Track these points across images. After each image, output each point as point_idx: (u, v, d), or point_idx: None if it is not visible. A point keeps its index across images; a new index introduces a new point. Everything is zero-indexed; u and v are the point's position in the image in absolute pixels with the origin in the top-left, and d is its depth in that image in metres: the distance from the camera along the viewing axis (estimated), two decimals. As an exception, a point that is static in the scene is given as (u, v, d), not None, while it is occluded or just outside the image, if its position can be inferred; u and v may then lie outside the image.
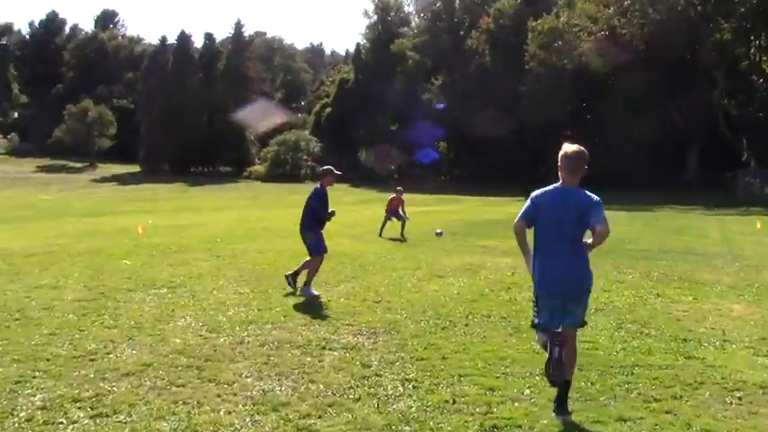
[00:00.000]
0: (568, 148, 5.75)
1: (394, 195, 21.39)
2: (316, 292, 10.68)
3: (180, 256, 14.92)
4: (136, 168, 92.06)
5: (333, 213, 11.57)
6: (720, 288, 11.63)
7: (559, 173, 5.76)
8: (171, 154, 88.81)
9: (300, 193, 56.70)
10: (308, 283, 10.87)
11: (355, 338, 7.92)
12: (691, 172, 56.91)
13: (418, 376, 6.51)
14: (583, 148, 5.77)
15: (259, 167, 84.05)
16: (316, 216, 11.39)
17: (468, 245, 17.92)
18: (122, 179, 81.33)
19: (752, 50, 55.24)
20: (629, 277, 12.80)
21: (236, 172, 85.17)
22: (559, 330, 5.71)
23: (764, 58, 54.62)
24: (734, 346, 7.71)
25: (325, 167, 11.94)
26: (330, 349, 7.43)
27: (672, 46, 52.74)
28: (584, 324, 5.92)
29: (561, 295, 5.70)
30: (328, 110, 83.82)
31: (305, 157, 78.65)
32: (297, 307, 9.56)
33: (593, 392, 6.10)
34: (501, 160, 61.68)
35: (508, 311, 9.38)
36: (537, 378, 6.46)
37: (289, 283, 11.09)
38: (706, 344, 7.76)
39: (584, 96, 59.28)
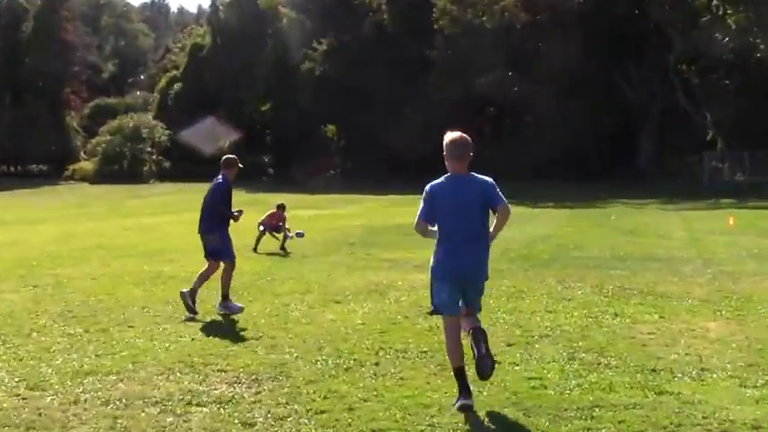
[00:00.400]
0: (451, 135, 7.35)
1: (273, 211, 21.30)
2: (239, 304, 11.84)
3: (-18, 288, 14.37)
4: None
5: (240, 213, 12.51)
6: (691, 302, 12.07)
7: (446, 162, 7.35)
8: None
9: (142, 197, 55.82)
10: (225, 297, 11.84)
11: (231, 388, 7.79)
12: (644, 156, 59.06)
13: (319, 435, 6.46)
14: (465, 135, 7.38)
15: (86, 164, 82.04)
16: (219, 214, 12.20)
17: (372, 258, 17.99)
18: None
19: (714, 1, 57.73)
20: (579, 293, 13.14)
21: (55, 171, 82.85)
22: (478, 325, 7.44)
23: (729, 11, 57.13)
24: (714, 375, 7.99)
25: (230, 156, 12.79)
26: (198, 405, 7.28)
27: (616, -2, 54.69)
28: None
29: (464, 282, 7.47)
30: (178, 86, 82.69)
31: (148, 148, 77.23)
32: (149, 350, 9.33)
33: (547, 445, 6.20)
34: (405, 148, 62.24)
35: (429, 344, 9.45)
36: (474, 429, 6.51)
37: (188, 306, 11.55)
38: (680, 374, 8.02)
39: (509, 64, 60.60)
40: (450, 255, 7.31)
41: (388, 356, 8.93)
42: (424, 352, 9.09)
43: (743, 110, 51.75)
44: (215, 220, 12.25)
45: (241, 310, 11.69)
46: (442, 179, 7.33)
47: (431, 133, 53.50)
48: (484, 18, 58.29)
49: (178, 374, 8.30)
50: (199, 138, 68.40)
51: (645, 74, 58.17)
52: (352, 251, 19.88)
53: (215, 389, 7.78)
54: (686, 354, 8.85)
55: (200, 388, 7.81)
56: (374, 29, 66.62)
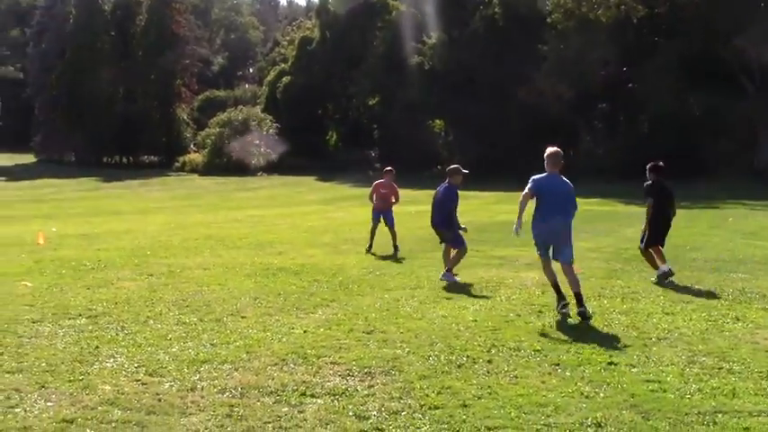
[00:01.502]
0: (550, 149, 11.82)
1: (381, 181, 20.02)
2: (458, 278, 14.28)
3: (99, 275, 14.85)
4: (29, 158, 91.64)
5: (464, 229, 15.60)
6: (817, 308, 11.73)
7: (546, 165, 11.69)
8: (77, 139, 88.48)
9: (250, 189, 56.69)
10: (449, 270, 14.53)
11: (344, 381, 7.90)
12: (764, 155, 57.32)
13: (433, 431, 6.49)
14: (559, 150, 11.88)
15: (195, 156, 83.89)
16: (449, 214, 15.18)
17: (482, 255, 17.96)
18: (11, 172, 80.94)
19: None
20: (697, 296, 12.89)
21: (166, 162, 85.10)
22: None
23: None
24: None
25: (454, 166, 15.52)
26: (312, 396, 7.41)
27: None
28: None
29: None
30: (287, 79, 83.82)
31: (257, 141, 78.45)
32: (262, 341, 9.52)
33: (667, 449, 6.11)
34: (513, 143, 61.84)
35: (542, 343, 9.41)
36: (591, 430, 6.47)
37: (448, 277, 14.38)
38: (809, 383, 7.82)
39: (624, 59, 59.64)
40: (545, 221, 11.45)
41: (500, 354, 8.92)
42: (538, 350, 9.05)
43: None
44: (447, 219, 15.28)
45: (456, 282, 14.07)
46: (544, 175, 11.67)
47: (540, 131, 53.41)
48: (599, 12, 57.47)
49: (291, 365, 8.45)
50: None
51: (766, 67, 56.39)
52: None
53: (328, 381, 7.90)
54: (814, 362, 8.61)
55: (314, 380, 7.94)
56: (485, 23, 66.31)
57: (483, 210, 35.09)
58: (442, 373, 8.18)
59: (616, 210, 35.47)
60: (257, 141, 78.08)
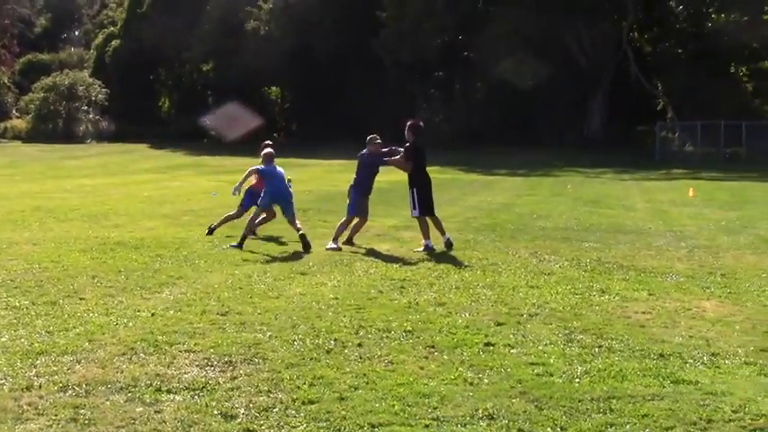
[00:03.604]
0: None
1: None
2: (336, 245, 14.31)
3: None
4: None
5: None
6: (677, 279, 11.65)
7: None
8: None
9: (79, 157, 54.37)
10: (334, 239, 14.51)
11: (203, 372, 7.10)
12: (595, 125, 59.00)
13: (311, 430, 5.81)
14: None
15: (18, 122, 79.65)
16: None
17: (330, 227, 17.23)
18: None
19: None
20: (556, 266, 12.68)
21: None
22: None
23: (684, -21, 57.13)
24: (728, 362, 7.50)
25: (372, 136, 15.40)
26: (169, 392, 6.58)
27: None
28: None
29: None
30: (116, 43, 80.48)
31: (84, 107, 75.19)
32: (105, 327, 8.57)
33: (570, 443, 5.62)
34: (353, 112, 61.38)
35: (412, 322, 8.84)
36: (483, 423, 5.92)
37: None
38: (691, 360, 7.52)
39: (460, 27, 59.99)
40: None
41: (370, 336, 8.30)
42: (409, 331, 8.47)
43: (694, 80, 51.81)
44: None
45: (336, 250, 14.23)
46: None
47: (381, 96, 53.20)
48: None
49: (142, 355, 7.58)
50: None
51: (598, 41, 57.98)
52: (306, 218, 19.15)
53: (185, 372, 7.09)
54: (690, 336, 8.37)
55: (169, 371, 7.11)
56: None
57: (326, 178, 34.45)
58: (311, 360, 7.48)
59: (457, 178, 35.47)
60: (85, 107, 74.90)
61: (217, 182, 32.01)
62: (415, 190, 14.59)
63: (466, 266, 12.60)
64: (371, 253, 13.98)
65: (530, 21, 53.80)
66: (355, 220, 15.16)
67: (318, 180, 33.26)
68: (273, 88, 75.57)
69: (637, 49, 57.33)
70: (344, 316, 9.13)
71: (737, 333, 8.53)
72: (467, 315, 9.22)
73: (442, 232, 14.57)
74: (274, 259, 13.16)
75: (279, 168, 15.50)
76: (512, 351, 7.80)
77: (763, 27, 53.22)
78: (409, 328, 8.61)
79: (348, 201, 15.40)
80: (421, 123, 15.37)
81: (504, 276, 11.76)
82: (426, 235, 14.39)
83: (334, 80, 62.26)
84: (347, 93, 61.37)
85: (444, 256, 13.61)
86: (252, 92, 69.43)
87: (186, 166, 43.93)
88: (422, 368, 7.24)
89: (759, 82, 55.69)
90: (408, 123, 14.99)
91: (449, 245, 14.31)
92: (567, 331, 8.53)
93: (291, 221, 14.94)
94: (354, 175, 15.42)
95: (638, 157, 47.62)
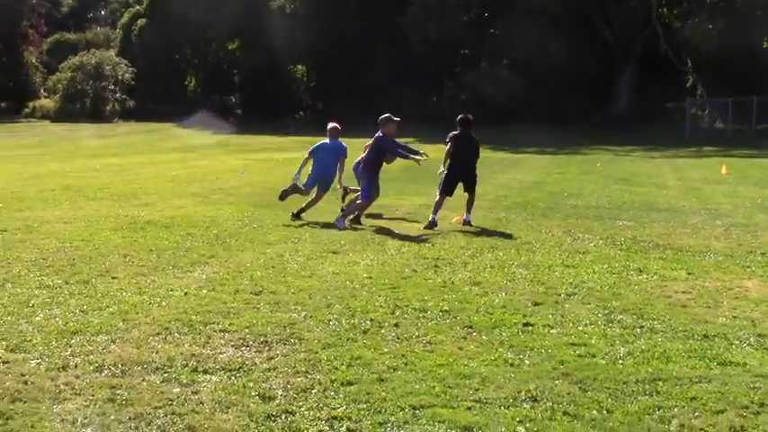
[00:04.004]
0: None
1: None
2: (345, 223, 14.30)
3: (-54, 232, 13.42)
4: None
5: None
6: (715, 258, 11.45)
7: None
8: None
9: (107, 136, 54.64)
10: (345, 215, 14.64)
11: (239, 353, 7.00)
12: (623, 102, 58.41)
13: (351, 412, 5.68)
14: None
15: (47, 102, 79.92)
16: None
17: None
18: None
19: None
20: (591, 245, 12.50)
21: (14, 108, 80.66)
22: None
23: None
24: (775, 343, 7.33)
25: (386, 116, 14.98)
26: (206, 372, 6.48)
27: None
28: None
29: None
30: (141, 22, 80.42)
31: (111, 86, 75.31)
32: (139, 306, 8.49)
33: (617, 427, 5.46)
34: (379, 90, 61.07)
35: (448, 302, 8.70)
36: (527, 405, 5.78)
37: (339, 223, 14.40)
38: (737, 341, 7.34)
39: (486, 4, 59.47)
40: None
41: (406, 316, 8.16)
42: (446, 311, 8.33)
43: (725, 56, 51.12)
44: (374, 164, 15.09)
45: (344, 228, 14.11)
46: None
47: (406, 75, 52.92)
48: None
49: (176, 335, 7.49)
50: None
51: (626, 16, 57.35)
52: (336, 196, 19.03)
53: (221, 353, 6.98)
54: (734, 317, 8.18)
55: (205, 352, 7.01)
56: (347, -35, 64.91)
57: (353, 155, 34.22)
58: (348, 340, 7.36)
59: (486, 156, 35.07)
60: (112, 86, 75.03)
61: (244, 160, 32.00)
62: (446, 173, 14.96)
63: (500, 245, 12.43)
64: (403, 231, 13.83)
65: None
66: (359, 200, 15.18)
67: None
68: (299, 66, 75.32)
69: (666, 25, 56.57)
70: (379, 295, 9.00)
71: (783, 313, 8.34)
72: (503, 295, 9.07)
73: (468, 210, 14.80)
74: (305, 238, 13.03)
75: (328, 142, 15.97)
76: (551, 331, 7.65)
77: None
78: (446, 307, 8.47)
79: (361, 183, 15.33)
80: (468, 116, 15.46)
81: (539, 255, 11.59)
82: (434, 211, 14.52)
83: (359, 58, 61.89)
84: (373, 71, 61.00)
85: (477, 235, 13.46)
86: (278, 70, 69.23)
87: (213, 146, 43.95)
88: (461, 349, 7.11)
89: (791, 57, 54.83)
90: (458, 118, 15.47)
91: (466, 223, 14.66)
92: (606, 311, 8.36)
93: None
94: (363, 154, 15.59)
95: (667, 134, 47.09)
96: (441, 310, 8.36)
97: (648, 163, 31.60)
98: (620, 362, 6.74)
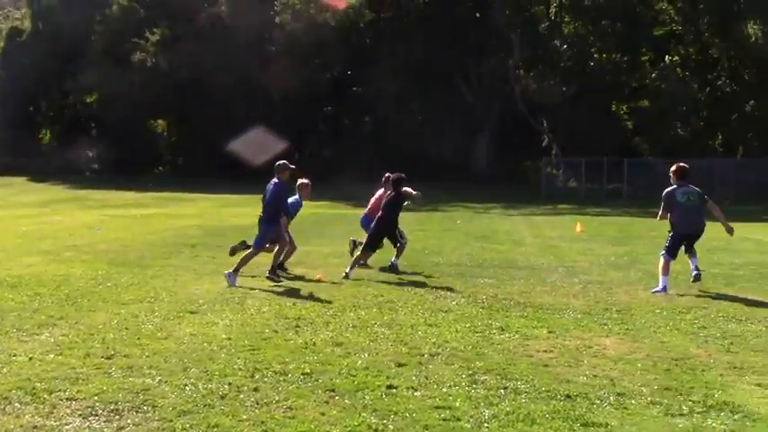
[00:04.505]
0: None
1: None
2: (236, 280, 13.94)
3: None
4: None
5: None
6: (574, 315, 11.54)
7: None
8: None
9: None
10: (235, 271, 14.09)
11: (86, 423, 6.56)
12: (482, 160, 59.68)
13: (206, 486, 5.36)
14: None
15: None
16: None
17: (219, 263, 16.70)
18: None
19: (552, 8, 59.00)
20: (453, 303, 12.46)
21: None
22: None
23: (567, 19, 58.53)
24: (634, 401, 7.33)
25: (281, 162, 15.01)
26: (48, 446, 6.05)
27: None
28: None
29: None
30: (-5, 73, 77.97)
31: (-41, 138, 72.48)
32: (-22, 372, 7.93)
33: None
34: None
35: (310, 364, 8.43)
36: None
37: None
38: (598, 401, 7.32)
39: (350, 62, 60.07)
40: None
41: (266, 380, 7.86)
42: (307, 374, 8.07)
43: (577, 117, 53.02)
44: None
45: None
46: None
47: (269, 132, 52.34)
48: (327, 15, 57.47)
49: (17, 405, 6.98)
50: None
51: (485, 78, 58.91)
52: (195, 254, 18.62)
53: (66, 424, 6.53)
54: (594, 375, 8.19)
55: (48, 423, 6.54)
56: (210, 20, 64.48)
57: (213, 213, 33.78)
58: (205, 406, 7.00)
59: (345, 213, 35.22)
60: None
61: (101, 216, 31.07)
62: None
63: (362, 304, 12.26)
64: (263, 289, 13.52)
65: (417, 57, 54.24)
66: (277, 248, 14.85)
67: (206, 215, 32.58)
68: (160, 121, 74.23)
69: (523, 87, 58.31)
70: (238, 358, 8.67)
71: (640, 371, 8.39)
72: (366, 356, 8.87)
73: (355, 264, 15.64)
74: (162, 298, 12.57)
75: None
76: (415, 394, 7.48)
77: (641, 67, 55.00)
78: (307, 370, 8.21)
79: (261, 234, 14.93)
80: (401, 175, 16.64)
81: (402, 314, 11.46)
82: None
83: (221, 114, 61.36)
84: (234, 126, 60.58)
85: (339, 293, 13.26)
86: (137, 124, 68.02)
87: (68, 200, 42.65)
88: (323, 414, 6.85)
89: (638, 120, 57.26)
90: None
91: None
92: (470, 372, 8.26)
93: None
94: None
95: (524, 192, 48.29)
96: (302, 373, 8.10)
97: (507, 220, 32.18)
98: (485, 425, 6.62)
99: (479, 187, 50.80)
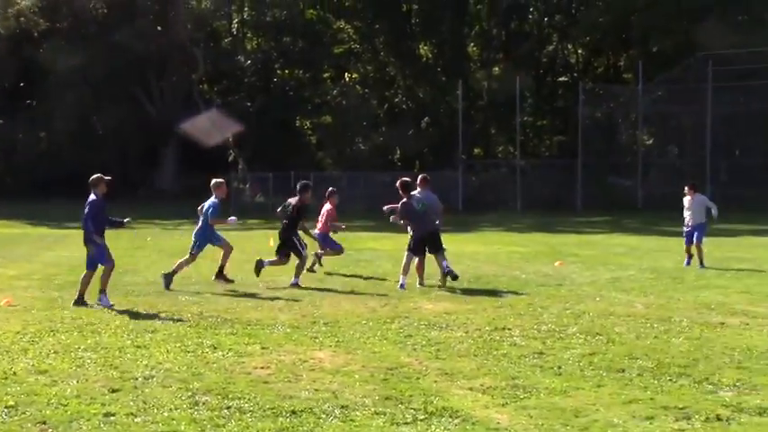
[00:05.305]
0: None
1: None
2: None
3: None
4: None
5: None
6: (284, 330, 11.53)
7: None
8: None
9: None
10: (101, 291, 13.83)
11: None
12: (167, 176, 58.65)
13: None
14: None
15: None
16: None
17: None
18: None
19: (234, 23, 59.24)
20: (158, 323, 12.10)
21: None
22: None
23: (249, 35, 58.99)
24: (358, 413, 7.39)
25: (96, 176, 14.69)
26: None
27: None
28: None
29: None
30: None
31: None
32: None
33: None
34: None
35: (14, 396, 7.83)
36: None
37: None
38: (324, 415, 7.30)
39: (22, 73, 56.98)
40: None
41: None
42: (12, 407, 7.50)
43: (263, 132, 53.49)
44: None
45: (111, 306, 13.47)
46: None
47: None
48: (-3, 23, 54.32)
49: None
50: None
51: (168, 91, 58.01)
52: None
53: None
54: (316, 390, 8.18)
55: None
56: None
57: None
58: None
59: (27, 232, 33.35)
60: None
61: None
62: None
63: (60, 328, 11.59)
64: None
65: (96, 70, 52.44)
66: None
67: None
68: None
69: (207, 101, 57.99)
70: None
71: (359, 383, 8.49)
72: (75, 383, 8.37)
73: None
74: None
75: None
76: (136, 420, 7.13)
77: (323, 84, 56.51)
78: (11, 402, 7.62)
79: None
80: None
81: (106, 336, 10.94)
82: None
83: None
84: None
85: (32, 317, 12.45)
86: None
87: None
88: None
89: (321, 135, 58.68)
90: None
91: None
92: (189, 393, 7.99)
93: None
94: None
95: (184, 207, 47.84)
96: (6, 406, 7.49)
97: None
98: (216, 448, 6.41)
99: (167, 203, 49.88)
